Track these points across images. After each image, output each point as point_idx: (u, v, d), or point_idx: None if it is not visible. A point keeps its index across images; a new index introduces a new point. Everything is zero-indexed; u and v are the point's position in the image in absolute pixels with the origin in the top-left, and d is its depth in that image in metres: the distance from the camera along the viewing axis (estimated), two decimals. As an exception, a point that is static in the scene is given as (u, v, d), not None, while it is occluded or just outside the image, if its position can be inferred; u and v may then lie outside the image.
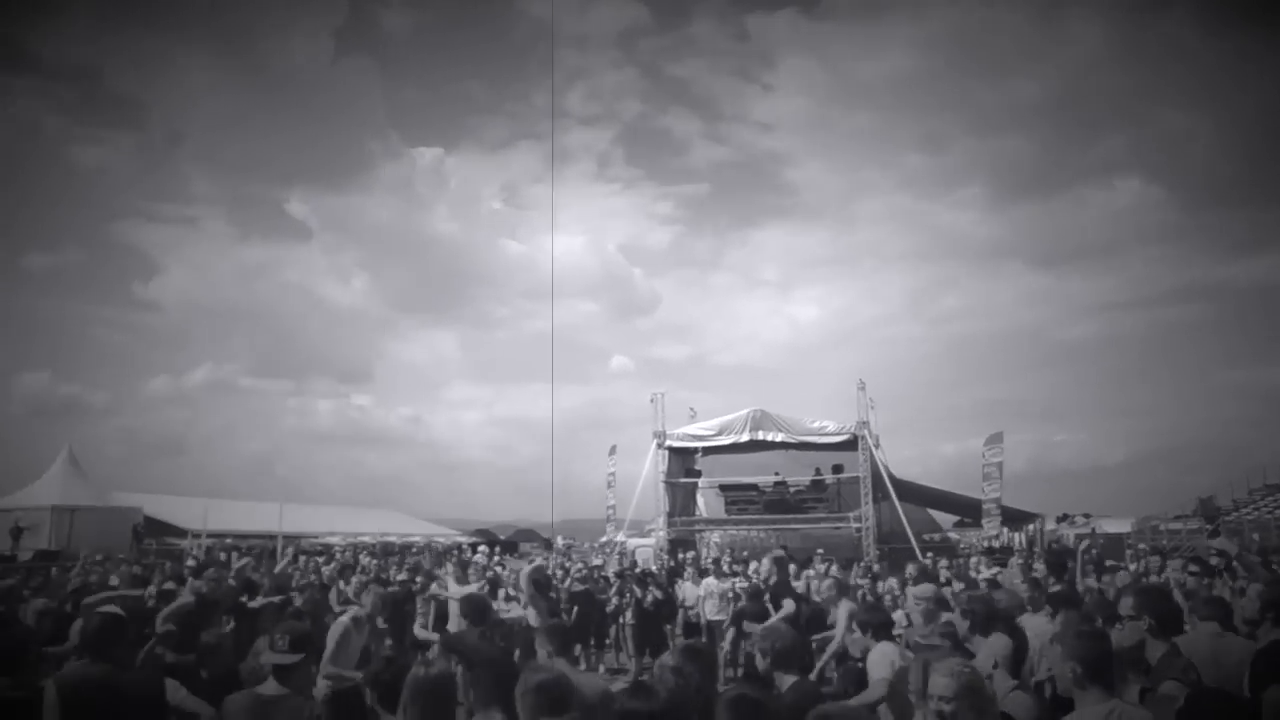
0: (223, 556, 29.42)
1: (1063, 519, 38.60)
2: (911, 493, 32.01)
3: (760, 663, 5.02)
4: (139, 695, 4.82)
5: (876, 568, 18.70)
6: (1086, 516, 38.34)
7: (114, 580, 13.42)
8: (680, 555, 24.98)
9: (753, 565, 18.59)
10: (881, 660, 6.20)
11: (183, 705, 4.94)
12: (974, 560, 19.63)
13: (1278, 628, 5.36)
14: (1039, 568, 12.94)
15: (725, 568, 17.67)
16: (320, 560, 25.52)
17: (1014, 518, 34.76)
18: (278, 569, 15.27)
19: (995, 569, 17.91)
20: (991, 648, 6.08)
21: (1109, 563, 17.27)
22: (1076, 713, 3.91)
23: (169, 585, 11.73)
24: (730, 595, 15.45)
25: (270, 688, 4.59)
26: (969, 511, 34.15)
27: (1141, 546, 26.16)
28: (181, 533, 36.31)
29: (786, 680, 4.82)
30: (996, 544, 30.41)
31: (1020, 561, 18.46)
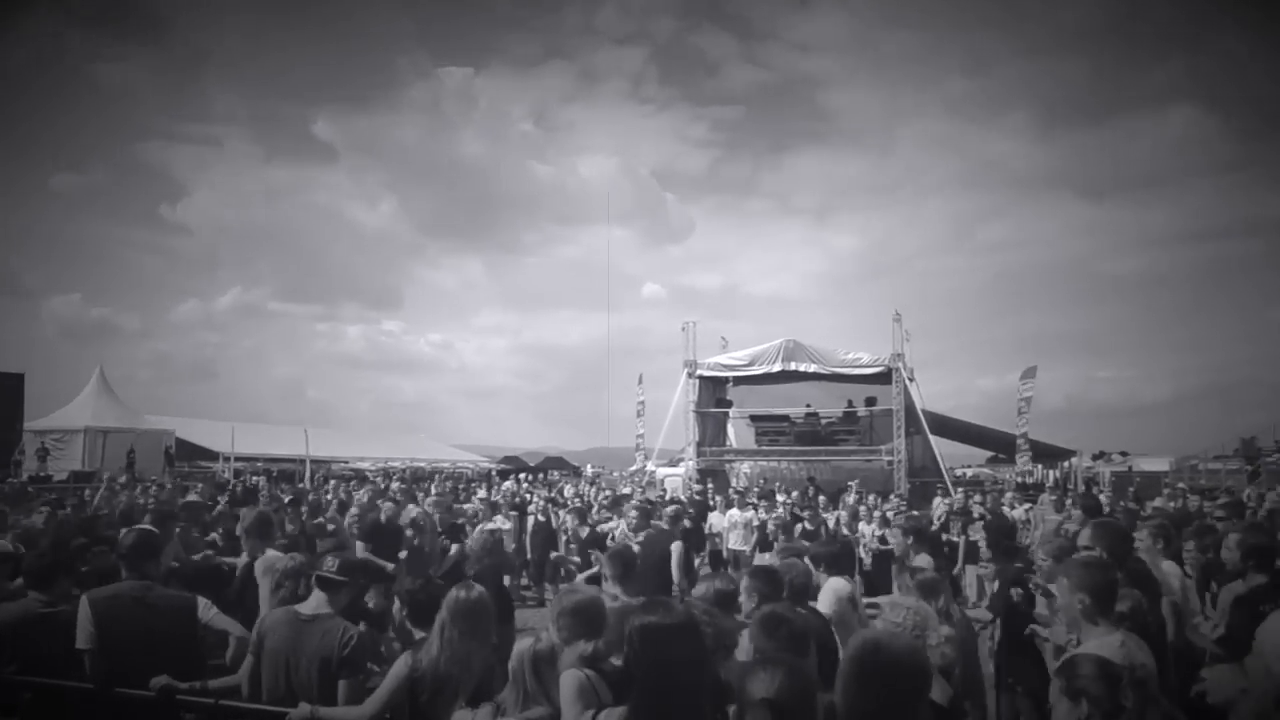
0: (254, 480, 29.72)
1: (1099, 456, 38.13)
2: (945, 427, 31.68)
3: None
4: (171, 611, 4.83)
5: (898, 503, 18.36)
6: (1124, 455, 37.84)
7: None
8: (707, 484, 24.82)
9: (780, 497, 18.41)
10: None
11: (213, 623, 4.91)
12: (1008, 496, 19.35)
13: (1259, 574, 5.33)
14: (1075, 512, 12.65)
15: (751, 498, 17.43)
16: (352, 485, 25.65)
17: (1049, 454, 34.40)
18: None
19: (1027, 505, 17.63)
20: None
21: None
22: (1091, 643, 3.69)
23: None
24: (755, 525, 15.27)
25: (309, 606, 4.64)
26: (1003, 447, 33.83)
27: (1180, 485, 25.71)
28: (213, 455, 36.63)
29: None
30: (1029, 480, 30.11)
31: (1052, 499, 18.17)
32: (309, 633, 4.47)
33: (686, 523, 15.04)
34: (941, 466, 27.30)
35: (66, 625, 4.67)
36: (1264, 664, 2.50)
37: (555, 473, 43.69)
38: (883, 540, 14.48)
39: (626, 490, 23.39)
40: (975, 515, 15.15)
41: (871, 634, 2.59)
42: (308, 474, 32.74)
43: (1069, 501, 19.26)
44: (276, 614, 4.70)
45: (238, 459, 35.76)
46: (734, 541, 15.43)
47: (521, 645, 4.07)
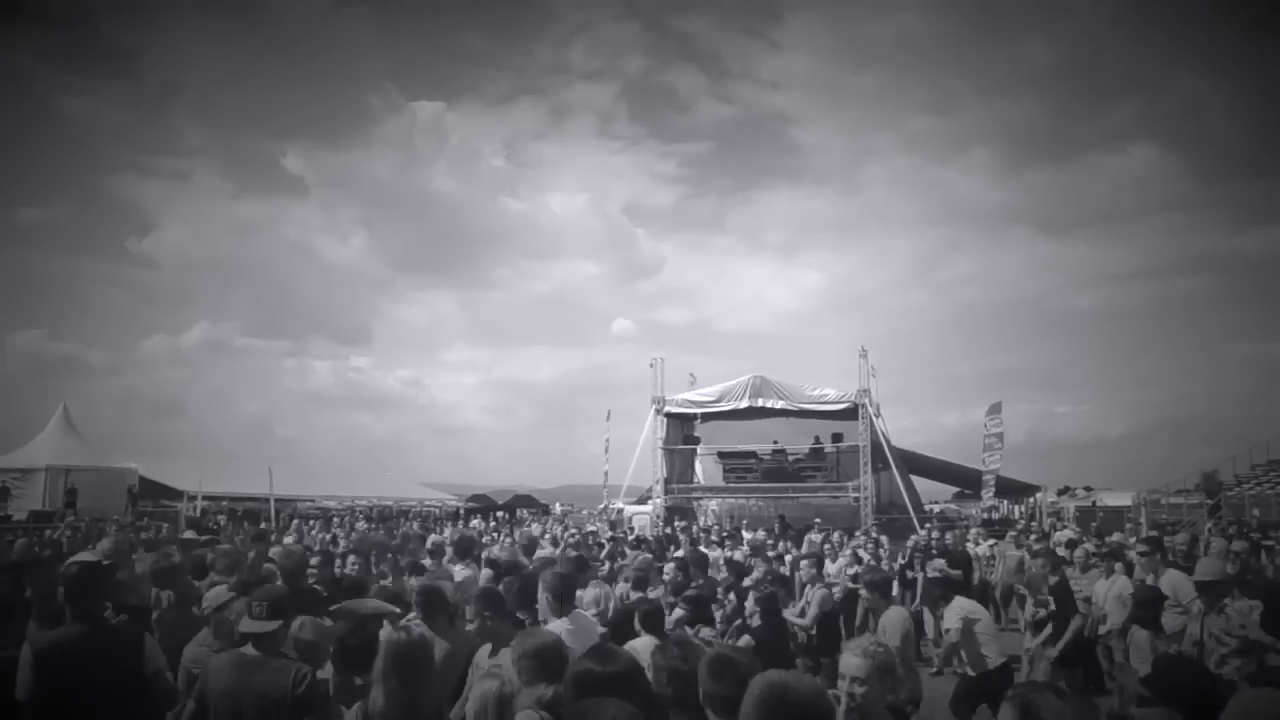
0: (221, 520, 29.39)
1: (1063, 491, 38.40)
2: (911, 463, 31.82)
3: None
4: (116, 658, 4.63)
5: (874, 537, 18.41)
6: (1088, 489, 38.13)
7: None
8: (675, 523, 24.80)
9: (746, 535, 18.44)
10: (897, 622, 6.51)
11: (164, 669, 4.78)
12: (973, 532, 19.46)
13: None
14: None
15: (715, 536, 17.44)
16: (313, 525, 25.45)
17: (1014, 489, 34.60)
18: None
19: (992, 541, 17.76)
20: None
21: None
22: None
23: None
24: (722, 563, 15.25)
25: (251, 650, 4.45)
26: (969, 483, 34.01)
27: (1140, 521, 25.98)
28: (177, 494, 36.17)
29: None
30: (995, 515, 30.27)
31: (1014, 534, 18.34)
32: (255, 678, 4.29)
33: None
34: (908, 502, 27.42)
35: (9, 673, 4.52)
36: None
37: (523, 511, 43.53)
38: (854, 579, 14.53)
39: (592, 528, 23.34)
40: (934, 552, 15.22)
41: (778, 676, 2.59)
42: (273, 513, 32.41)
43: (1032, 538, 19.48)
44: (221, 659, 4.51)
45: (204, 498, 35.36)
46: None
47: (486, 688, 4.03)
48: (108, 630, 4.89)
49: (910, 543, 16.87)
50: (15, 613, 5.13)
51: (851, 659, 3.83)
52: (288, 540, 15.18)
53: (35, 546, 13.24)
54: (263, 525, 24.87)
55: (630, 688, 3.04)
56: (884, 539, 17.98)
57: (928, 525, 22.84)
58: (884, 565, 14.74)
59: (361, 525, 26.08)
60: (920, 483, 33.83)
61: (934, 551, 15.20)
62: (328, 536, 19.87)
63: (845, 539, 17.73)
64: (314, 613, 5.09)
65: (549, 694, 3.66)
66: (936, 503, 39.03)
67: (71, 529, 16.15)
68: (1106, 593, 10.39)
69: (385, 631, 4.40)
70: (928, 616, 13.45)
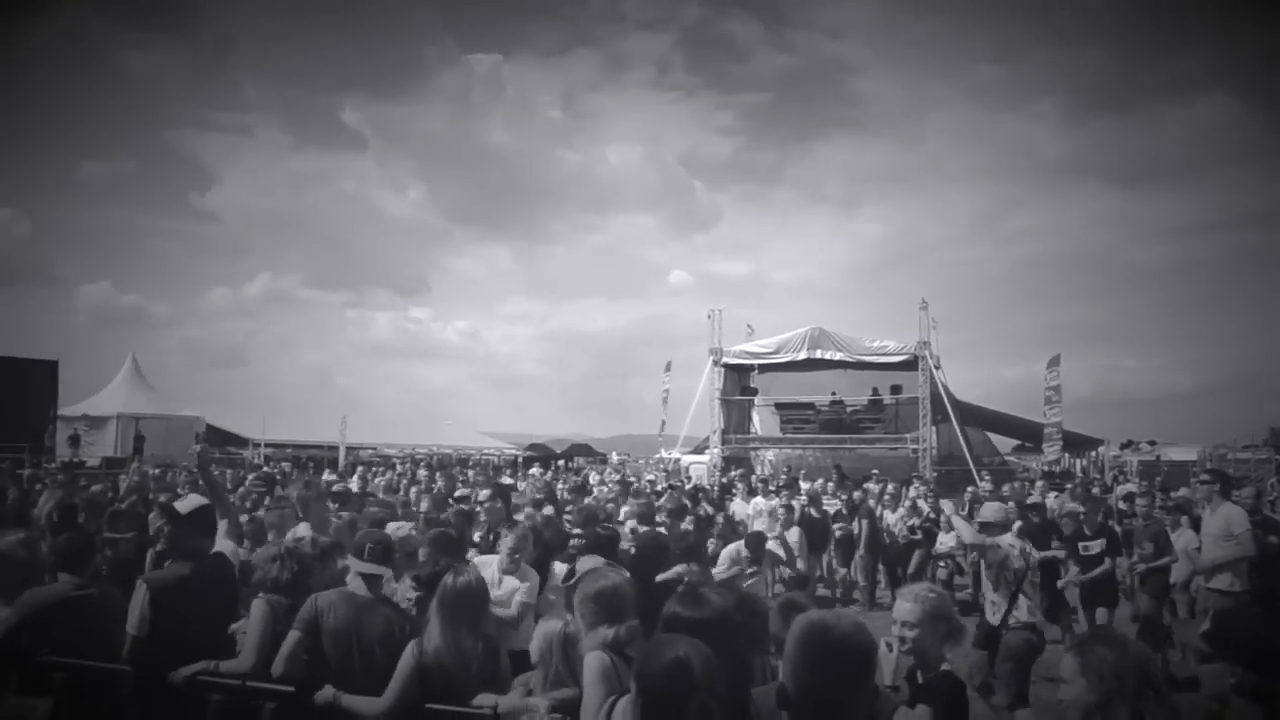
0: (285, 466, 29.98)
1: (1127, 445, 37.85)
2: (971, 415, 31.53)
3: None
4: (219, 592, 4.98)
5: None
6: (1152, 443, 37.54)
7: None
8: (731, 472, 24.84)
9: (804, 485, 18.41)
10: None
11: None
12: (1038, 485, 19.25)
13: None
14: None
15: (773, 486, 17.45)
16: (376, 469, 25.88)
17: (1077, 443, 34.18)
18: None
19: (1054, 494, 17.57)
20: None
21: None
22: None
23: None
24: (779, 513, 15.27)
25: (362, 590, 4.67)
26: (1030, 435, 33.66)
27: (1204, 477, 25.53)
28: (243, 442, 36.98)
29: None
30: (1057, 469, 29.95)
31: (1072, 486, 18.18)
32: (368, 622, 4.48)
33: (707, 508, 15.14)
34: (967, 454, 27.20)
35: (97, 607, 4.75)
36: None
37: (580, 459, 43.86)
38: (911, 530, 14.52)
39: (650, 477, 23.46)
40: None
41: (818, 615, 2.61)
42: (341, 459, 33.02)
43: (1094, 490, 19.23)
44: (333, 595, 4.61)
45: (268, 445, 36.11)
46: (759, 529, 15.45)
47: (549, 627, 4.19)
48: (210, 566, 5.10)
49: (968, 494, 16.74)
50: (89, 556, 5.29)
51: (904, 604, 3.95)
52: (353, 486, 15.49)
53: (109, 491, 13.61)
54: (326, 473, 25.32)
55: (717, 632, 3.04)
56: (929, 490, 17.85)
57: (985, 477, 22.64)
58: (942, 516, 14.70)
59: (423, 473, 26.40)
60: (980, 435, 33.52)
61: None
62: (388, 480, 20.21)
63: (904, 489, 17.66)
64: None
65: (611, 635, 3.68)
66: (995, 456, 38.72)
67: (140, 474, 16.49)
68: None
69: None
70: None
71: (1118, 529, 10.76)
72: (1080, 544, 10.11)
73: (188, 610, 4.68)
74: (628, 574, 4.69)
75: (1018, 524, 13.37)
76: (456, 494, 12.92)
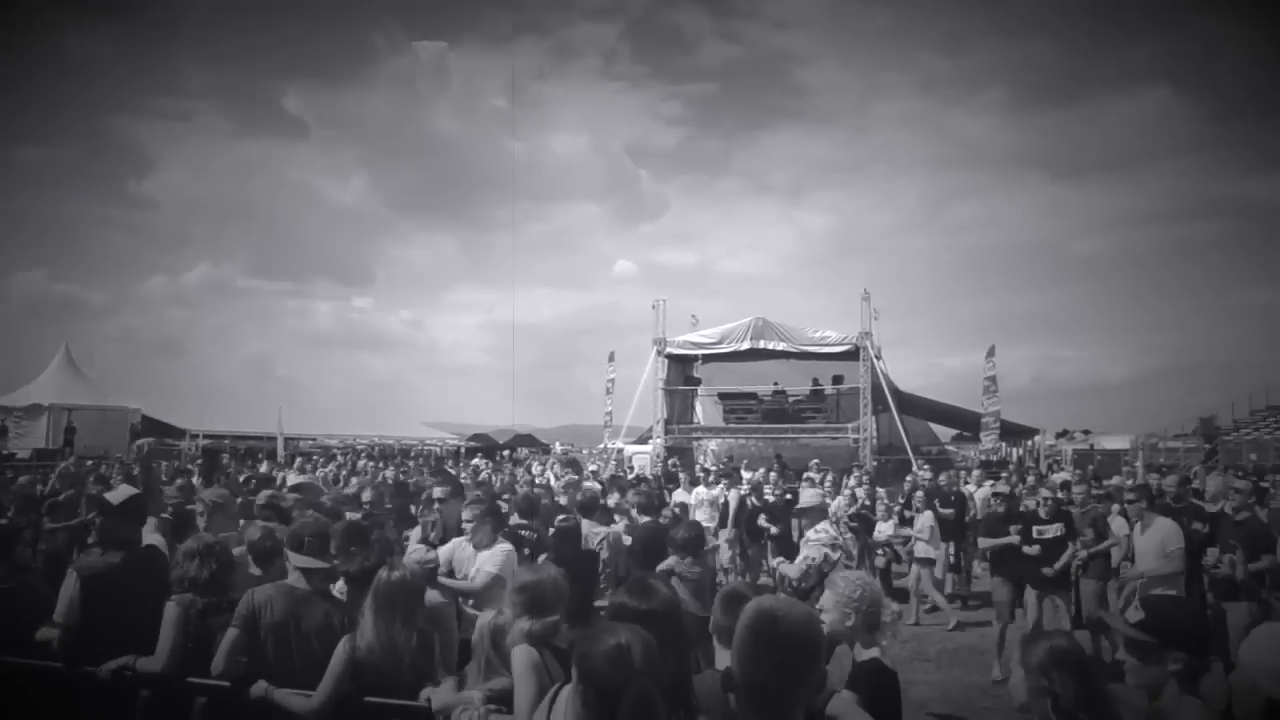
0: (224, 458, 29.54)
1: (1062, 434, 38.57)
2: (912, 405, 31.93)
3: None
4: (150, 582, 4.89)
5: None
6: (1086, 433, 38.29)
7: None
8: (673, 462, 24.96)
9: (746, 475, 18.54)
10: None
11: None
12: (974, 474, 19.59)
13: None
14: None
15: (713, 476, 17.56)
16: (317, 461, 25.60)
17: (1013, 432, 34.74)
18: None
19: (990, 482, 17.86)
20: None
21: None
22: None
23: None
24: (721, 503, 15.39)
25: (301, 584, 4.62)
26: (969, 425, 34.12)
27: (1138, 464, 26.14)
28: (180, 433, 36.35)
29: None
30: (994, 457, 30.46)
31: (1005, 475, 18.54)
32: (306, 615, 4.48)
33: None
34: (907, 444, 27.55)
35: (22, 600, 4.75)
36: (1249, 680, 2.49)
37: (524, 450, 43.73)
38: (851, 518, 14.69)
39: (593, 468, 23.46)
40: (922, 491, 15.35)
41: (769, 604, 2.62)
42: (280, 451, 32.59)
43: (1030, 479, 19.57)
44: (270, 590, 4.59)
45: (205, 436, 35.53)
46: (700, 519, 15.52)
47: (482, 618, 4.27)
48: (141, 556, 5.07)
49: (907, 483, 16.98)
50: (15, 545, 5.21)
51: (826, 593, 4.11)
52: (292, 477, 15.31)
53: (37, 483, 13.34)
54: (264, 463, 25.00)
55: (665, 623, 3.07)
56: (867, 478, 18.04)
57: (924, 466, 22.97)
58: (879, 504, 14.90)
59: (363, 463, 26.17)
60: (921, 424, 33.99)
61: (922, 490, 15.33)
62: (328, 473, 20.05)
63: (844, 478, 17.86)
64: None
65: (528, 627, 3.79)
66: (934, 445, 39.23)
67: (76, 466, 16.18)
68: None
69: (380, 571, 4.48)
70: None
71: (1074, 512, 10.83)
72: (1035, 528, 10.11)
73: (118, 600, 4.65)
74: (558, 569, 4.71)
75: (837, 508, 13.63)
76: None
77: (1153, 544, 8.69)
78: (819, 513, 7.66)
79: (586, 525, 8.20)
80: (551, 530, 8.24)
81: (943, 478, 17.20)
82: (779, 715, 2.47)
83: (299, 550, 4.67)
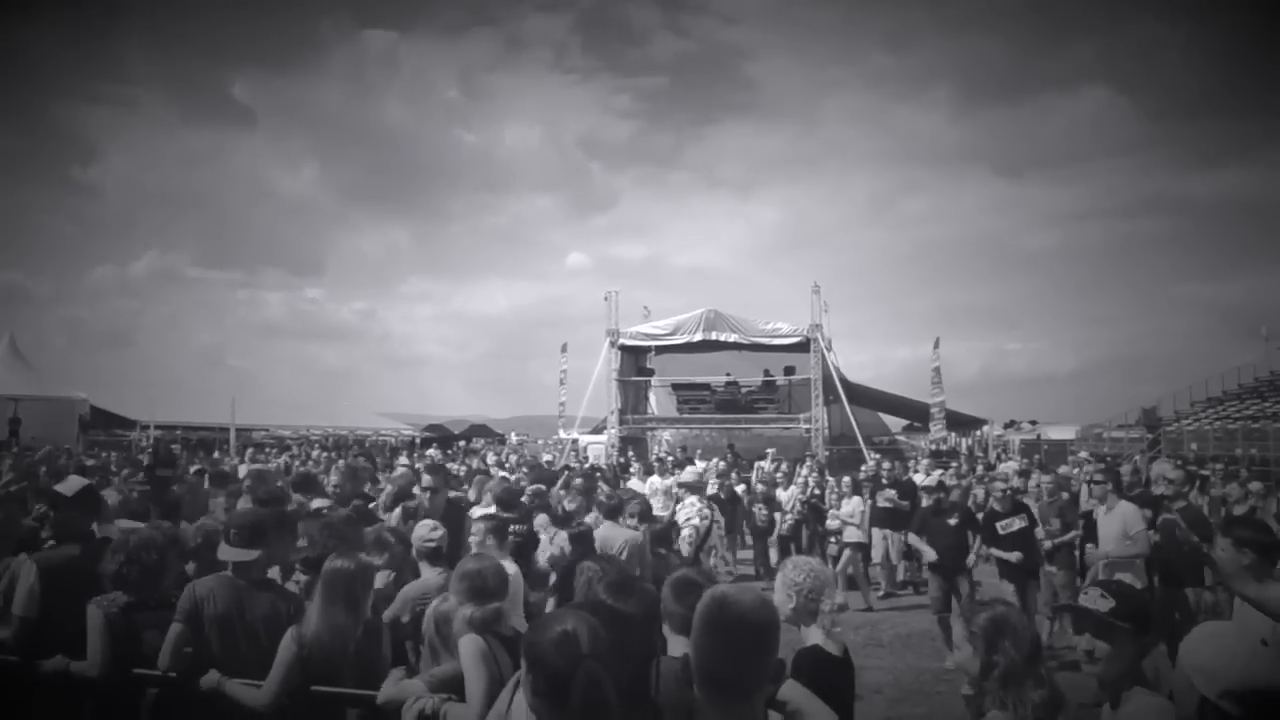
0: (175, 449, 29.25)
1: (1009, 425, 39.20)
2: (862, 396, 32.30)
3: None
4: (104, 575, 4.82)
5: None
6: (1033, 423, 38.95)
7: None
8: (629, 452, 25.13)
9: (700, 464, 18.75)
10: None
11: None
12: (923, 463, 19.91)
13: None
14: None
15: (669, 466, 17.73)
16: (269, 452, 25.48)
17: (962, 422, 35.27)
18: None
19: (939, 471, 18.20)
20: None
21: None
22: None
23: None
24: (675, 492, 15.55)
25: (236, 577, 4.57)
26: (918, 415, 34.60)
27: (1083, 454, 26.68)
28: (130, 424, 35.87)
29: None
30: (944, 447, 30.92)
31: (955, 466, 18.89)
32: (251, 606, 4.45)
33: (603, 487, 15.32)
34: (858, 434, 27.90)
35: None
36: (1186, 681, 2.55)
37: (480, 440, 43.69)
38: (803, 504, 14.94)
39: (547, 458, 23.57)
40: (884, 481, 15.62)
41: (720, 589, 2.65)
42: (232, 443, 32.29)
43: (979, 469, 19.98)
44: (210, 582, 4.53)
45: (156, 427, 35.08)
46: (655, 508, 15.69)
47: (430, 606, 4.35)
48: (98, 550, 5.02)
49: (861, 473, 17.26)
50: None
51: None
52: (243, 468, 15.29)
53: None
54: (216, 455, 24.84)
55: (641, 624, 3.12)
56: (818, 467, 18.29)
57: (875, 456, 23.29)
58: (829, 493, 15.15)
59: (317, 453, 26.07)
60: (872, 415, 34.40)
61: (884, 481, 15.59)
62: (280, 464, 20.00)
63: (796, 467, 18.10)
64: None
65: (469, 614, 3.85)
66: (885, 435, 39.71)
67: (27, 456, 16.00)
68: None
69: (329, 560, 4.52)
70: (876, 539, 13.95)
71: (1031, 504, 10.99)
72: (998, 523, 10.23)
73: (76, 593, 4.58)
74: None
75: (790, 497, 13.87)
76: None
77: (1115, 527, 8.80)
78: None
79: (607, 528, 7.69)
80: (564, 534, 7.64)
81: (885, 465, 17.52)
82: (737, 702, 2.49)
83: (228, 542, 4.65)
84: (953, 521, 10.63)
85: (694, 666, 2.55)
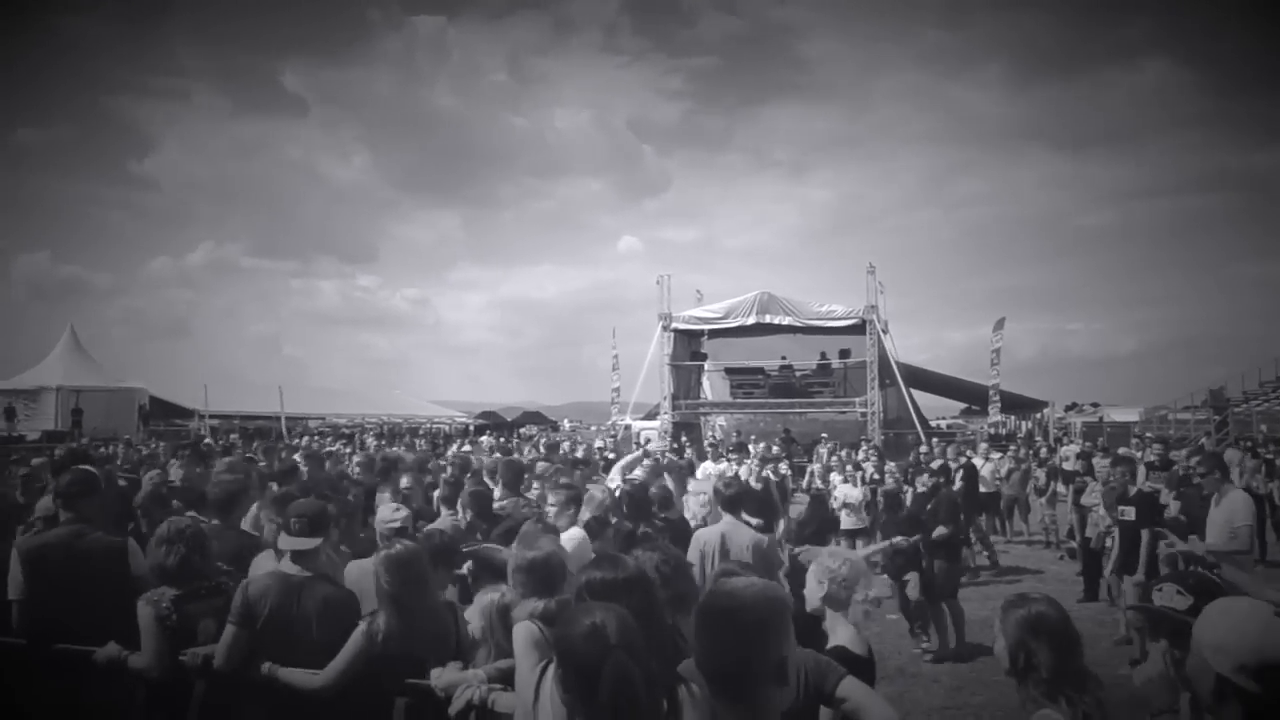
0: (232, 437, 29.62)
1: (1071, 407, 38.49)
2: (919, 379, 31.88)
3: None
4: (101, 562, 4.78)
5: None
6: (1095, 405, 38.21)
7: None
8: (682, 438, 24.97)
9: (753, 448, 18.51)
10: None
11: (146, 577, 4.71)
12: (981, 447, 19.53)
13: None
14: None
15: (722, 450, 17.54)
16: (326, 440, 25.67)
17: (1021, 405, 34.69)
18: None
19: (998, 455, 17.83)
20: None
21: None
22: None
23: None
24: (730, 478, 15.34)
25: (293, 569, 4.42)
26: (976, 398, 34.10)
27: (1148, 435, 26.05)
28: (187, 413, 36.45)
29: None
30: (1003, 430, 30.44)
31: (1014, 450, 18.49)
32: (305, 600, 4.30)
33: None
34: (914, 417, 27.51)
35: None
36: (1200, 658, 2.40)
37: (533, 427, 43.80)
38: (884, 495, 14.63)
39: (600, 444, 23.47)
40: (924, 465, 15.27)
41: (720, 586, 2.55)
42: (284, 431, 32.66)
43: (1039, 453, 19.54)
44: (263, 579, 4.39)
45: (212, 417, 35.60)
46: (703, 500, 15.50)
47: (485, 599, 4.18)
48: (95, 535, 4.94)
49: (912, 457, 16.98)
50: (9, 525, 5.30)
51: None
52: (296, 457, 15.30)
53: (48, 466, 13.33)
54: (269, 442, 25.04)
55: (634, 594, 3.04)
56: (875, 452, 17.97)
57: (934, 439, 22.92)
58: (888, 479, 14.84)
59: (371, 442, 26.22)
60: (929, 398, 33.96)
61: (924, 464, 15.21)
62: (336, 450, 20.08)
63: (852, 452, 17.84)
64: None
65: (541, 607, 3.70)
66: (943, 418, 39.18)
67: (80, 444, 16.25)
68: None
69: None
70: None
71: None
72: (1120, 507, 9.57)
73: (65, 577, 4.61)
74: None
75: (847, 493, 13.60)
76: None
77: (1221, 517, 8.15)
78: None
79: (728, 524, 6.44)
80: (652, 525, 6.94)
81: (949, 451, 17.18)
82: (740, 699, 2.38)
83: (288, 532, 4.52)
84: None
85: (696, 661, 2.47)
